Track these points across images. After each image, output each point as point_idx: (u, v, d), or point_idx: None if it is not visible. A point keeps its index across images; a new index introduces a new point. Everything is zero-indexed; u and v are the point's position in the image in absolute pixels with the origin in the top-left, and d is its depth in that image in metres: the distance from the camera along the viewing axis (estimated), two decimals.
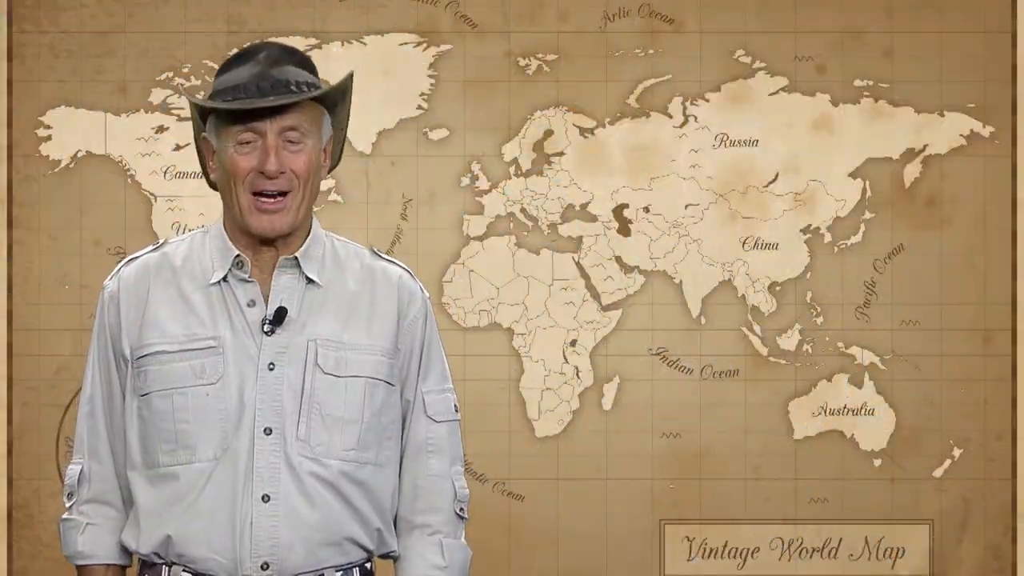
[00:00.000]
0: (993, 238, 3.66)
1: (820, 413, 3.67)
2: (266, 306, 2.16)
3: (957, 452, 3.67)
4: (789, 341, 3.67)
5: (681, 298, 3.67)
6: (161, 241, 2.27)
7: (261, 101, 2.10)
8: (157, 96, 3.65)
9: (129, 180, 3.65)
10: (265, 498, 2.10)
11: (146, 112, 3.65)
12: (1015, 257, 3.65)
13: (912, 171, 3.67)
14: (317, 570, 2.14)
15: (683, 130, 3.67)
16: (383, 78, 3.65)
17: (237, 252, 2.17)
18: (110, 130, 3.65)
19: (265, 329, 2.14)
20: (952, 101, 3.66)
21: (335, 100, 2.20)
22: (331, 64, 3.53)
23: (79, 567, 2.22)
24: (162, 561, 2.14)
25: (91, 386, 2.23)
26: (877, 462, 3.67)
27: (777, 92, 3.67)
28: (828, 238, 3.67)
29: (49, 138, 3.64)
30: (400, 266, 2.29)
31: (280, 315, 2.14)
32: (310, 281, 2.19)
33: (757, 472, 3.66)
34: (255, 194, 2.12)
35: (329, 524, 2.13)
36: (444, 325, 3.39)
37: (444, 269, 3.66)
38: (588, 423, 3.67)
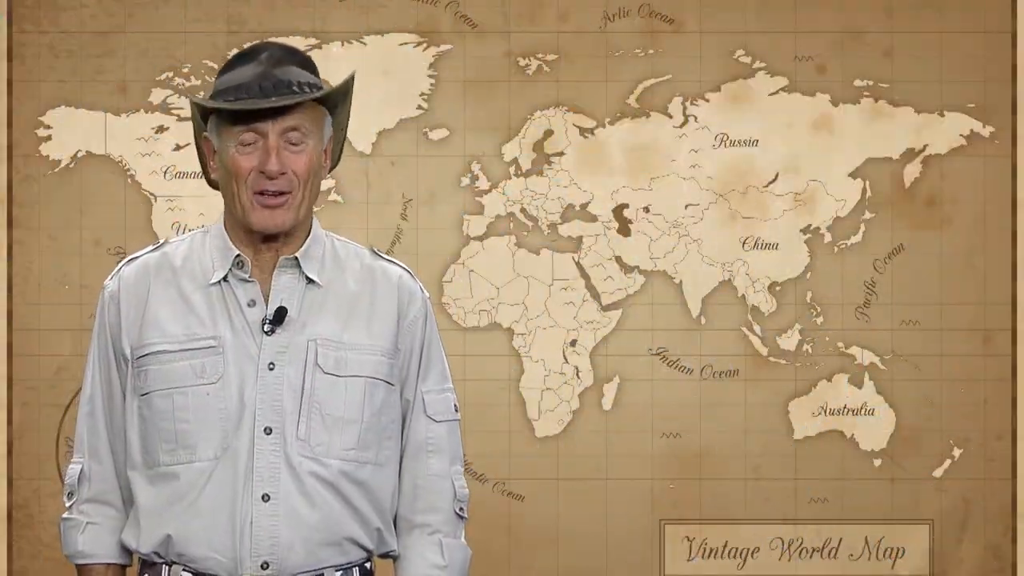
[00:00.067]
0: (993, 238, 3.66)
1: (820, 413, 3.67)
2: (266, 306, 2.16)
3: (957, 452, 3.67)
4: (789, 341, 3.67)
5: (681, 298, 3.67)
6: (161, 241, 2.27)
7: (263, 102, 2.10)
8: (157, 96, 3.65)
9: (129, 180, 3.65)
10: (265, 498, 2.10)
11: (146, 112, 3.65)
12: (1015, 257, 3.65)
13: (912, 171, 3.67)
14: (317, 570, 2.14)
15: (683, 130, 3.67)
16: (383, 78, 3.65)
17: (237, 252, 2.17)
18: (110, 130, 3.65)
19: (265, 329, 2.14)
20: (952, 101, 3.66)
21: (336, 101, 2.20)
22: (331, 64, 3.53)
23: (79, 566, 2.22)
24: (162, 560, 2.14)
25: (91, 386, 2.23)
26: (877, 462, 3.67)
27: (777, 92, 3.67)
28: (828, 238, 3.67)
29: (49, 138, 3.64)
30: (400, 266, 2.29)
31: (280, 315, 2.14)
32: (310, 281, 2.19)
33: (757, 472, 3.66)
34: (256, 194, 2.12)
35: (329, 524, 2.13)
36: (444, 325, 3.39)
37: (444, 269, 3.66)
38: (588, 423, 3.67)
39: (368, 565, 2.21)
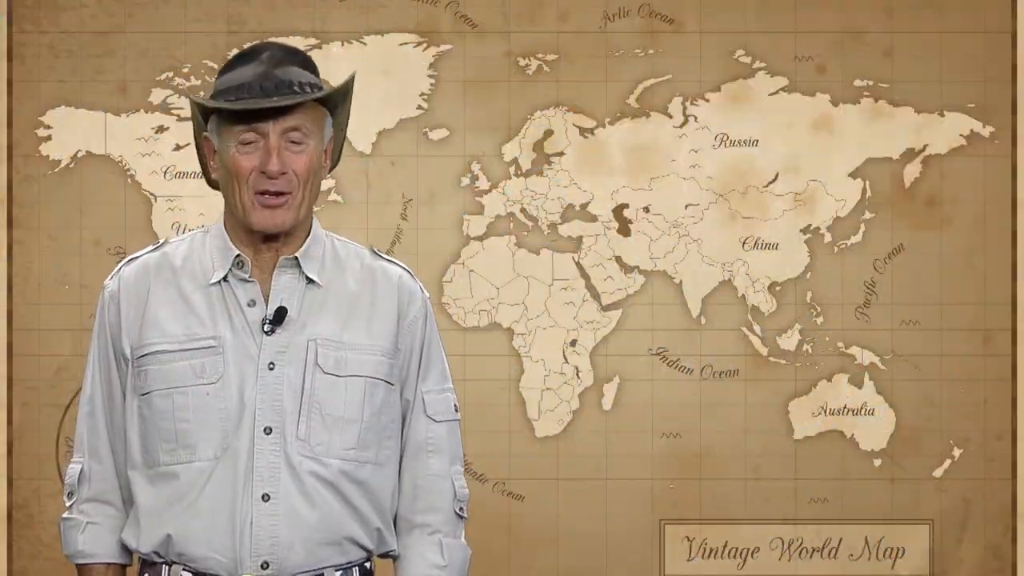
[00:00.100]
0: (993, 238, 3.66)
1: (820, 413, 3.67)
2: (266, 306, 2.16)
3: (957, 452, 3.67)
4: (789, 341, 3.67)
5: (681, 298, 3.67)
6: (161, 241, 2.27)
7: (265, 101, 2.10)
8: (157, 96, 3.65)
9: (129, 180, 3.65)
10: (265, 497, 2.10)
11: (146, 112, 3.65)
12: (1015, 257, 3.65)
13: (912, 171, 3.67)
14: (317, 569, 2.14)
15: (683, 130, 3.67)
16: (383, 78, 3.65)
17: (237, 252, 2.17)
18: (110, 130, 3.65)
19: (265, 329, 2.14)
20: (952, 101, 3.66)
21: (336, 101, 2.21)
22: (331, 64, 3.53)
23: (79, 566, 2.22)
24: (162, 560, 2.14)
25: (91, 385, 2.23)
26: (877, 462, 3.67)
27: (777, 92, 3.67)
28: (828, 238, 3.67)
29: (49, 138, 3.64)
30: (400, 266, 2.29)
31: (280, 315, 2.15)
32: (310, 281, 2.19)
33: (757, 472, 3.66)
34: (257, 193, 2.13)
35: (329, 523, 2.13)
36: (444, 325, 3.39)
37: (444, 269, 3.66)
38: (588, 423, 3.67)
39: (368, 565, 2.22)
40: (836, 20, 3.66)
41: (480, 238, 3.66)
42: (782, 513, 3.67)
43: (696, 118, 3.67)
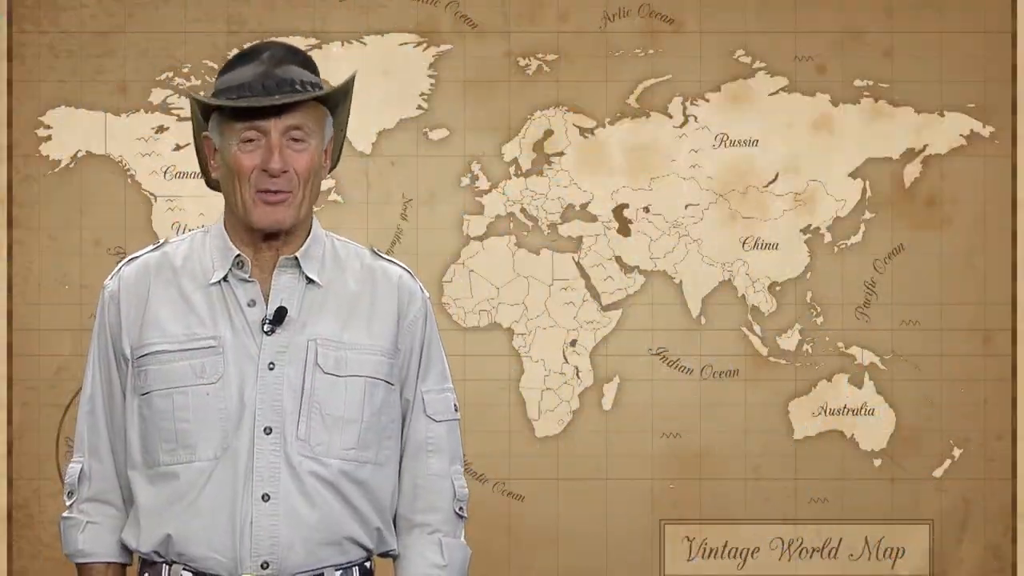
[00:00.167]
0: (993, 238, 3.66)
1: (820, 413, 3.67)
2: (266, 306, 2.16)
3: (957, 452, 3.67)
4: (789, 341, 3.67)
5: (681, 298, 3.67)
6: (161, 241, 2.27)
7: (266, 99, 2.10)
8: (157, 96, 3.65)
9: (129, 180, 3.65)
10: (265, 497, 2.10)
11: (146, 112, 3.65)
12: (1015, 257, 3.65)
13: (912, 171, 3.67)
14: (317, 569, 2.14)
15: (683, 130, 3.67)
16: (383, 78, 3.65)
17: (238, 252, 2.17)
18: (110, 130, 3.65)
19: (265, 329, 2.14)
20: (952, 101, 3.66)
21: (337, 100, 2.21)
22: (331, 64, 3.53)
23: (79, 565, 2.22)
24: (162, 560, 2.14)
25: (91, 385, 2.23)
26: (877, 462, 3.67)
27: (777, 92, 3.67)
28: (828, 238, 3.67)
29: (49, 138, 3.64)
30: (400, 266, 2.29)
31: (280, 315, 2.15)
32: (310, 281, 2.19)
33: (757, 472, 3.66)
34: (258, 192, 2.13)
35: (329, 523, 2.13)
36: (444, 325, 3.39)
37: (444, 269, 3.66)
38: (588, 423, 3.67)
39: (368, 564, 2.22)
40: (836, 20, 3.66)
41: (480, 238, 3.66)
42: (782, 513, 3.67)
43: (696, 118, 3.67)
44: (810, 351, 3.67)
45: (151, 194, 3.65)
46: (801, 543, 3.66)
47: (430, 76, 3.66)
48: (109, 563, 2.21)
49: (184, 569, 2.13)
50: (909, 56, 3.66)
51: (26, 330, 3.62)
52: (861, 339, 3.67)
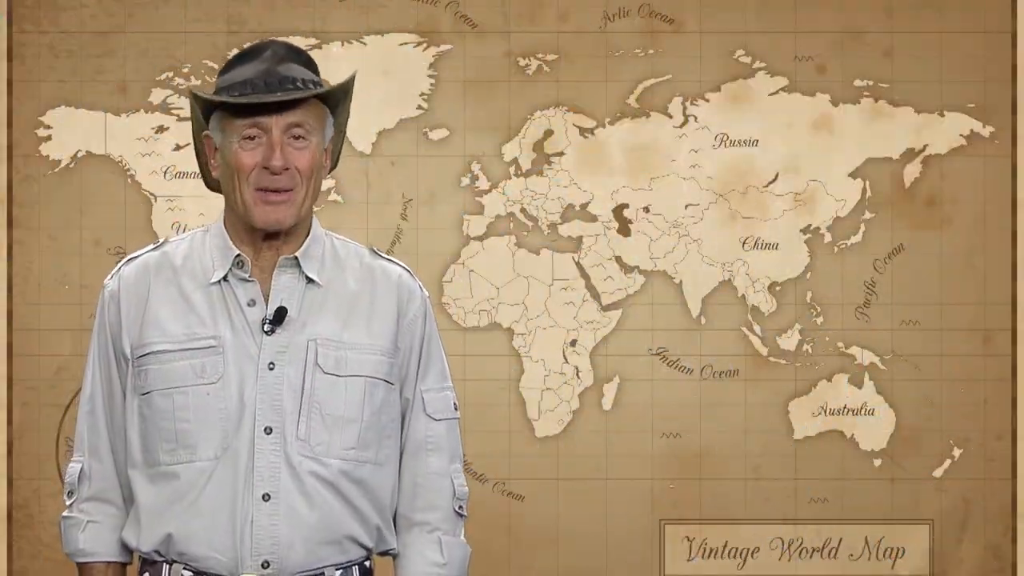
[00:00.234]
0: (993, 238, 3.66)
1: (820, 413, 3.67)
2: (266, 305, 2.16)
3: (957, 452, 3.67)
4: (789, 341, 3.67)
5: (681, 298, 3.67)
6: (161, 240, 2.27)
7: (268, 96, 2.10)
8: (157, 96, 3.65)
9: (129, 180, 3.65)
10: (265, 497, 2.10)
11: (146, 112, 3.65)
12: (1015, 257, 3.65)
13: (912, 171, 3.67)
14: (317, 568, 2.14)
15: (683, 130, 3.67)
16: (383, 78, 3.65)
17: (238, 251, 2.17)
18: (110, 130, 3.65)
19: (265, 329, 2.14)
20: (952, 101, 3.66)
21: (338, 99, 2.21)
22: (331, 64, 3.52)
23: (80, 565, 2.22)
24: (163, 559, 2.14)
25: (91, 385, 2.23)
26: (877, 462, 3.67)
27: (777, 92, 3.67)
28: (828, 238, 3.67)
29: (49, 138, 3.64)
30: (399, 265, 2.29)
31: (280, 315, 2.15)
32: (310, 281, 2.19)
33: (757, 472, 3.66)
34: (258, 190, 2.13)
35: (329, 523, 2.13)
36: (444, 325, 3.39)
37: (444, 269, 3.66)
38: (588, 423, 3.67)
39: (368, 563, 2.22)
40: (836, 20, 3.66)
41: (480, 238, 3.66)
42: (782, 513, 3.67)
43: (696, 118, 3.67)
44: (810, 351, 3.67)
45: (151, 194, 3.65)
46: (801, 543, 3.66)
47: (430, 76, 3.66)
48: (110, 562, 2.21)
49: (185, 568, 2.13)
50: (909, 56, 3.66)
51: (26, 330, 3.62)
52: (861, 339, 3.67)
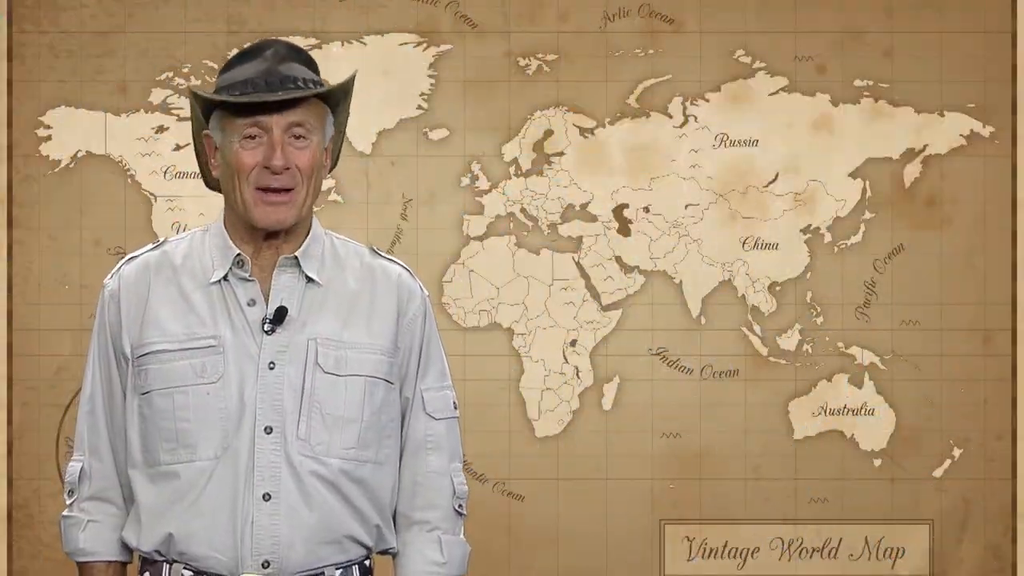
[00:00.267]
0: (993, 238, 3.66)
1: (820, 413, 3.67)
2: (266, 305, 2.16)
3: (957, 452, 3.67)
4: (789, 341, 3.67)
5: (681, 298, 3.67)
6: (161, 240, 2.27)
7: (269, 96, 2.10)
8: (157, 96, 3.65)
9: (129, 180, 3.65)
10: (266, 497, 2.10)
11: (146, 112, 3.65)
12: (1015, 257, 3.65)
13: (912, 171, 3.67)
14: (317, 568, 2.14)
15: (683, 130, 3.67)
16: (383, 78, 3.65)
17: (238, 251, 2.17)
18: (110, 130, 3.65)
19: (265, 328, 2.14)
20: (952, 101, 3.66)
21: (338, 99, 2.21)
22: (331, 64, 3.52)
23: (80, 564, 2.22)
24: (163, 559, 2.14)
25: (91, 384, 2.23)
26: (877, 462, 3.67)
27: (777, 92, 3.67)
28: (828, 238, 3.67)
29: (49, 138, 3.64)
30: (399, 264, 2.29)
31: (280, 314, 2.15)
32: (310, 280, 2.19)
33: (757, 472, 3.66)
34: (259, 190, 2.13)
35: (329, 523, 2.14)
36: (444, 325, 3.39)
37: (444, 269, 3.66)
38: (588, 423, 3.67)
39: (367, 562, 2.22)
40: (836, 20, 3.66)
41: (480, 238, 3.66)
42: (782, 513, 3.67)
43: (696, 118, 3.67)
44: (810, 351, 3.67)
45: (151, 194, 3.65)
46: (801, 543, 3.66)
47: (430, 76, 3.66)
48: (110, 562, 2.21)
49: (185, 568, 2.13)
50: (909, 56, 3.66)
51: (26, 330, 3.62)
52: (861, 339, 3.67)
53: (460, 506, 2.26)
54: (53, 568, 3.58)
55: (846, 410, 3.67)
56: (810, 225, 3.67)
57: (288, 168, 2.12)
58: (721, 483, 3.66)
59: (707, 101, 3.67)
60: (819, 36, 3.66)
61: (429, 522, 2.23)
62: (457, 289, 3.66)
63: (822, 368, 3.67)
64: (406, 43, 3.66)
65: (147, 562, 2.17)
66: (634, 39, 3.67)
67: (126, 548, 2.21)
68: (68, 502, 2.23)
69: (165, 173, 3.65)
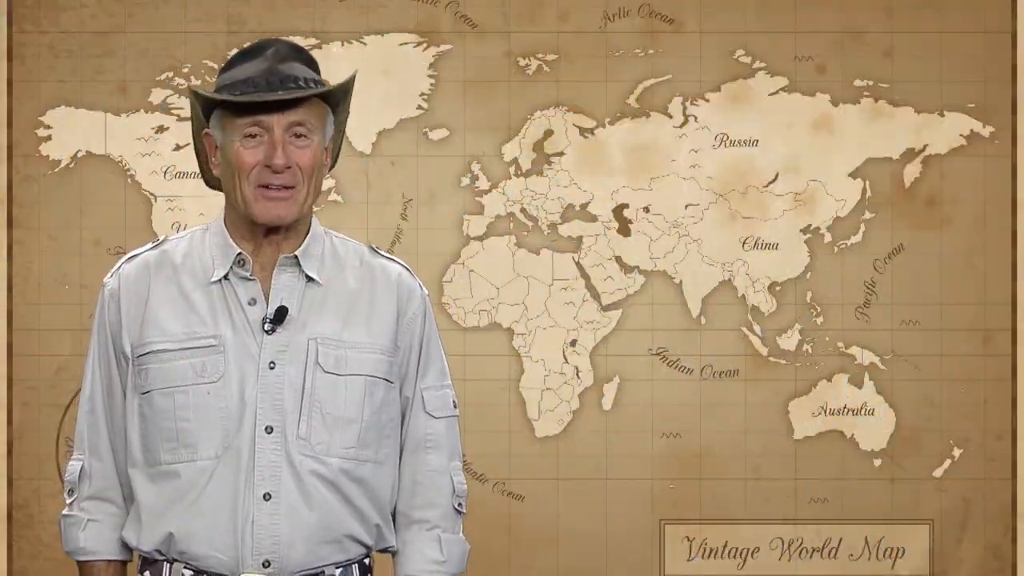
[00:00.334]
0: (993, 238, 3.66)
1: (820, 413, 3.67)
2: (266, 304, 2.16)
3: (957, 452, 3.67)
4: (789, 341, 3.67)
5: (681, 298, 3.67)
6: (160, 238, 2.27)
7: (271, 95, 2.11)
8: (157, 96, 3.65)
9: (129, 180, 3.65)
10: (266, 496, 2.10)
11: (146, 112, 3.65)
12: (1015, 257, 3.65)
13: (912, 171, 3.67)
14: (317, 567, 2.14)
15: (683, 130, 3.67)
16: (383, 78, 3.65)
17: (239, 250, 2.17)
18: (110, 130, 3.65)
19: (266, 328, 2.14)
20: (952, 101, 3.66)
21: (338, 99, 2.21)
22: (331, 64, 3.52)
23: (80, 563, 2.22)
24: (163, 558, 2.15)
25: (91, 383, 2.23)
26: (877, 462, 3.67)
27: (777, 92, 3.67)
28: (828, 238, 3.67)
29: (49, 138, 3.64)
30: (399, 263, 2.29)
31: (281, 314, 2.15)
32: (310, 279, 2.19)
33: (757, 472, 3.66)
34: (260, 187, 2.12)
35: (329, 522, 2.14)
36: (444, 325, 3.39)
37: (444, 269, 3.66)
38: (588, 423, 3.67)
39: (367, 561, 2.22)
40: (836, 20, 3.66)
41: (480, 238, 3.66)
42: (782, 513, 3.67)
43: (696, 118, 3.67)
44: (810, 351, 3.67)
45: (151, 194, 3.65)
46: (801, 543, 3.66)
47: (430, 76, 3.66)
48: (110, 561, 2.21)
49: (185, 567, 2.13)
50: (909, 56, 3.66)
51: (26, 330, 3.62)
52: (861, 339, 3.67)
53: (459, 505, 2.26)
54: (53, 568, 3.58)
55: (846, 410, 3.67)
56: (810, 225, 3.67)
57: (289, 167, 2.12)
58: (721, 483, 3.66)
59: (707, 101, 3.67)
60: (819, 36, 3.66)
61: (429, 521, 2.23)
62: (457, 289, 3.66)
63: (822, 368, 3.67)
64: (406, 43, 3.66)
65: (147, 561, 2.17)
66: (634, 39, 3.67)
67: (126, 547, 2.21)
68: (68, 501, 2.23)
69: (165, 173, 3.65)
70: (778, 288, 3.68)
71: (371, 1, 3.66)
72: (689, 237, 3.67)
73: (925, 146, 3.67)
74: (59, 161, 3.64)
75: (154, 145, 3.65)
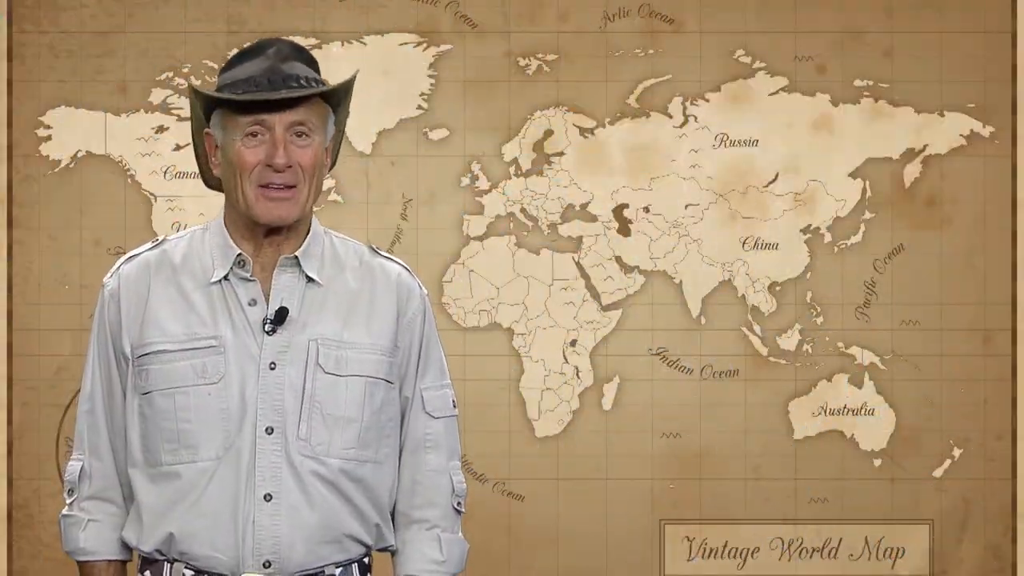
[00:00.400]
0: (993, 238, 3.66)
1: (820, 413, 3.67)
2: (266, 305, 2.16)
3: (957, 452, 3.67)
4: (789, 341, 3.67)
5: (681, 298, 3.67)
6: (160, 238, 2.27)
7: (272, 94, 2.10)
8: (157, 96, 3.65)
9: (129, 180, 3.65)
10: (267, 497, 2.10)
11: (146, 112, 3.65)
12: (1015, 257, 3.65)
13: (912, 171, 3.67)
14: (318, 567, 2.14)
15: (683, 130, 3.67)
16: (383, 78, 3.65)
17: (239, 250, 2.17)
18: (110, 130, 3.65)
19: (266, 329, 2.14)
20: (952, 101, 3.66)
21: (339, 98, 2.21)
22: (331, 64, 3.52)
23: (80, 563, 2.22)
24: (164, 558, 2.15)
25: (91, 383, 2.23)
26: (877, 462, 3.67)
27: (777, 92, 3.67)
28: (828, 238, 3.67)
29: (49, 138, 3.64)
30: (398, 263, 2.29)
31: (281, 315, 2.15)
32: (310, 280, 2.19)
33: (757, 472, 3.66)
34: (261, 187, 2.12)
35: (329, 522, 2.14)
36: (444, 325, 3.39)
37: (444, 269, 3.66)
38: (588, 423, 3.67)
39: (367, 560, 2.22)
40: (836, 20, 3.66)
41: (480, 238, 3.66)
42: (782, 513, 3.67)
43: (696, 118, 3.67)
44: (810, 351, 3.67)
45: (151, 194, 3.65)
46: (801, 543, 3.66)
47: (430, 76, 3.66)
48: (110, 561, 2.21)
49: (186, 568, 2.13)
50: (909, 56, 3.66)
51: (26, 330, 3.62)
52: (861, 339, 3.67)
53: (459, 504, 2.26)
54: (53, 568, 3.58)
55: (846, 410, 3.67)
56: (810, 225, 3.67)
57: (291, 166, 2.12)
58: (721, 483, 3.66)
59: (707, 101, 3.67)
60: (819, 36, 3.66)
61: (428, 520, 2.23)
62: (457, 289, 3.66)
63: (822, 368, 3.67)
64: (406, 43, 3.66)
65: (147, 561, 2.17)
66: (634, 39, 3.67)
67: (126, 547, 2.21)
68: (68, 501, 2.23)
69: (165, 173, 3.65)
70: (778, 288, 3.68)
71: (371, 1, 3.66)
72: (689, 237, 3.67)
73: (925, 146, 3.67)
74: (59, 161, 3.64)
75: (154, 145, 3.65)
